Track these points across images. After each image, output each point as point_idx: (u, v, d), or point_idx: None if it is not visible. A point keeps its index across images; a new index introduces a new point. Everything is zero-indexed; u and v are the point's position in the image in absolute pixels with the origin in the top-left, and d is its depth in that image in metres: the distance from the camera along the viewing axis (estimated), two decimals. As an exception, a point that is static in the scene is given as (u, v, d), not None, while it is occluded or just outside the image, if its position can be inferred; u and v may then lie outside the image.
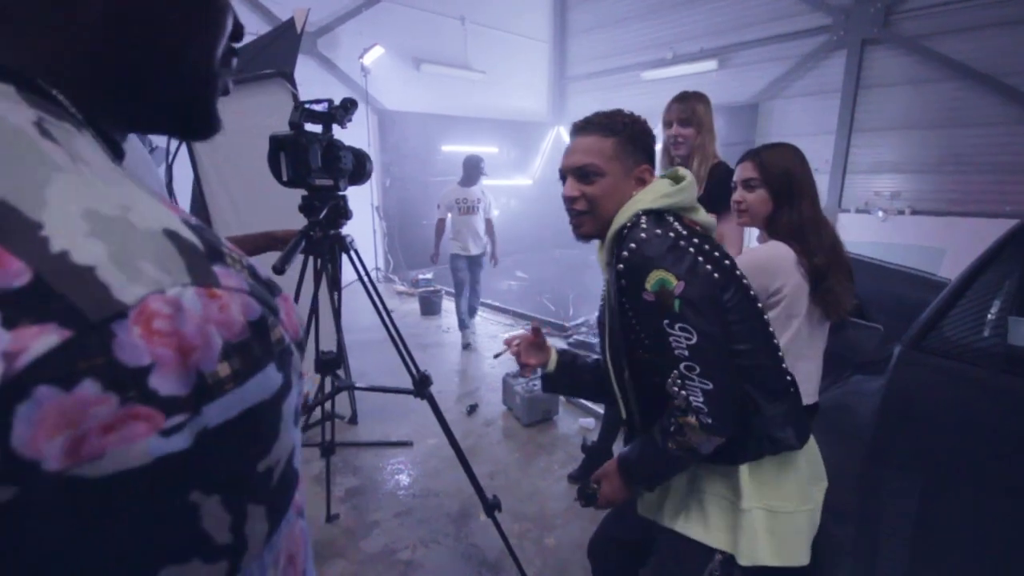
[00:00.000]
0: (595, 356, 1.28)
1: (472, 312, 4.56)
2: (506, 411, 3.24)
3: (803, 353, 1.41)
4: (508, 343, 1.25)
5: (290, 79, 2.42)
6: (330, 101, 1.41)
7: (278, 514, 0.30)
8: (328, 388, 1.76)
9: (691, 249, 0.94)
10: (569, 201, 1.04)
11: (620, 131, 1.02)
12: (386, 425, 3.03)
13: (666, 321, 0.91)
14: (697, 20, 7.26)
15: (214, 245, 0.28)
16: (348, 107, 1.41)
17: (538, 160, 9.11)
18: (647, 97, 7.03)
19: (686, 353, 0.90)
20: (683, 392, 0.92)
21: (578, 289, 6.17)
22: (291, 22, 3.26)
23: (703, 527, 1.02)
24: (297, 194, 1.42)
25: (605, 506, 1.12)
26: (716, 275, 0.94)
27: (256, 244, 1.37)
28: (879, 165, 6.07)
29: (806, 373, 1.42)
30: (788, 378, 1.04)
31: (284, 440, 0.29)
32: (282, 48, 3.31)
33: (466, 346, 4.35)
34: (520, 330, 1.24)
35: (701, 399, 0.90)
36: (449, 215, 4.25)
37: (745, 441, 0.98)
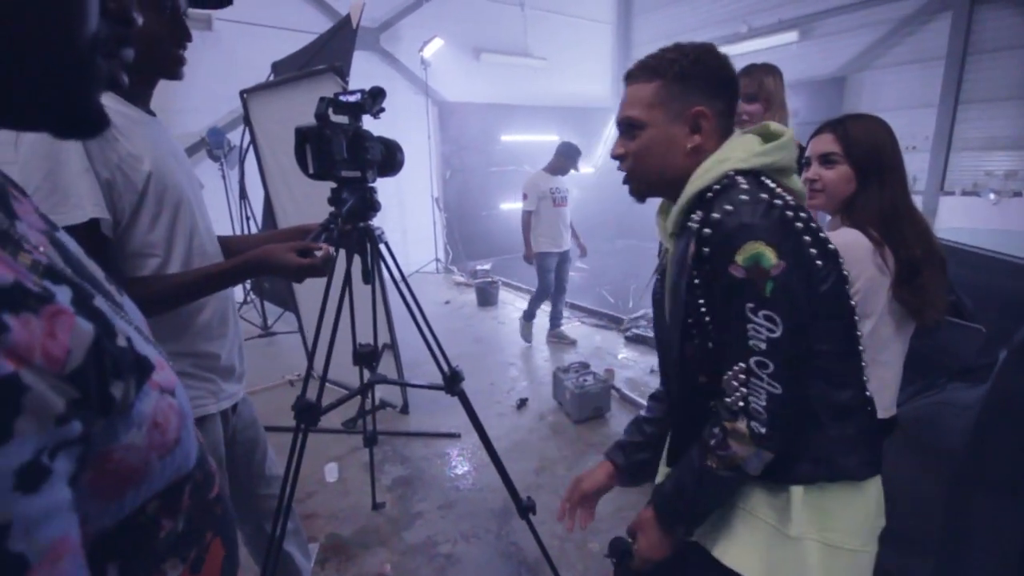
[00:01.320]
0: (644, 419, 1.13)
1: (559, 317, 4.23)
2: (557, 406, 3.16)
3: (879, 358, 1.22)
4: (561, 516, 1.11)
5: (340, 73, 2.45)
6: (363, 91, 1.38)
7: None
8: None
9: (799, 224, 0.77)
10: (616, 160, 0.93)
11: (665, 71, 0.85)
12: (436, 416, 3.05)
13: (751, 304, 0.75)
14: (774, -12, 6.71)
15: None
16: (376, 96, 1.38)
17: (600, 147, 8.85)
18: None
19: (763, 346, 0.75)
20: (743, 390, 0.77)
21: (640, 281, 5.93)
22: (348, 18, 3.33)
23: (725, 542, 0.88)
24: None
25: (642, 564, 0.94)
26: (819, 262, 0.79)
27: (290, 238, 1.38)
28: (991, 141, 5.37)
29: (881, 382, 1.24)
30: (866, 394, 0.88)
31: None
32: (338, 44, 3.39)
33: (527, 340, 4.24)
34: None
35: (763, 402, 0.76)
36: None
37: (798, 458, 0.83)
